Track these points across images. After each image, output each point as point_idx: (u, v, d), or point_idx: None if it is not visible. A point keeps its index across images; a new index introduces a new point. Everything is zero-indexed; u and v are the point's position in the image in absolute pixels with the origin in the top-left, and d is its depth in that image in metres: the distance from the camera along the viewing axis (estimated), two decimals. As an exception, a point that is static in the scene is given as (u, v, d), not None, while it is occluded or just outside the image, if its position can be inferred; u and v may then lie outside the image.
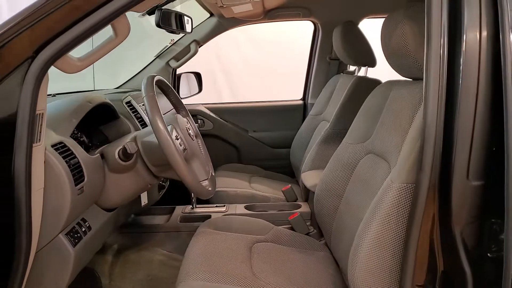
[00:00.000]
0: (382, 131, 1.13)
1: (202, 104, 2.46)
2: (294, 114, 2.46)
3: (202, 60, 3.20)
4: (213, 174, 1.33)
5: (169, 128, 1.13)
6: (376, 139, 1.15)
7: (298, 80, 2.55)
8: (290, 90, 2.60)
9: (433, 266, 0.81)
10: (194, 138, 1.26)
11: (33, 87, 0.81)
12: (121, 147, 1.11)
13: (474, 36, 0.73)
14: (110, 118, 1.39)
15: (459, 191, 0.76)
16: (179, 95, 2.49)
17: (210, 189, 1.18)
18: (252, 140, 2.44)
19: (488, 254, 0.75)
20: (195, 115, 2.39)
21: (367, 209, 1.00)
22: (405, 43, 0.97)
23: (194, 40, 2.21)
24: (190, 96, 2.50)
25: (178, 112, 1.39)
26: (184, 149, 1.14)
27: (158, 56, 2.30)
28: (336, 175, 1.29)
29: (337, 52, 1.92)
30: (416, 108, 0.96)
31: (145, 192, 1.46)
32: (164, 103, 1.39)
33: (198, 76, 2.52)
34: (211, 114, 2.41)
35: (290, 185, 1.87)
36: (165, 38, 2.31)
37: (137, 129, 1.46)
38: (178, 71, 2.39)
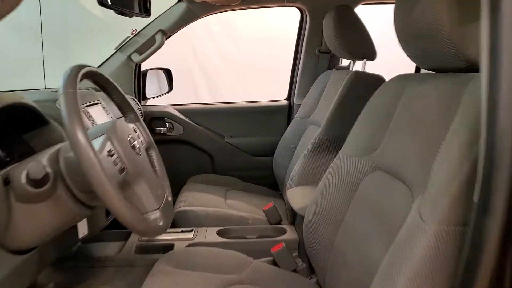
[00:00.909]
0: (394, 141, 0.83)
1: (172, 105, 2.12)
2: (278, 116, 2.14)
3: (176, 56, 2.88)
4: (170, 198, 1.00)
5: (100, 139, 0.80)
6: (387, 152, 0.85)
7: (282, 77, 2.25)
8: (273, 89, 2.28)
9: None
10: (142, 152, 0.93)
11: None
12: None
13: None
14: (38, 124, 1.05)
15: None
16: (145, 95, 2.21)
17: (161, 223, 0.85)
18: (229, 146, 2.11)
19: None
20: (162, 117, 2.05)
21: (377, 244, 0.74)
22: (434, 20, 0.67)
23: (160, 30, 1.88)
24: (158, 96, 2.17)
25: (124, 115, 1.06)
26: (122, 169, 0.81)
27: (118, 49, 1.95)
28: (332, 196, 0.99)
29: (328, 43, 1.61)
30: (452, 111, 0.66)
31: (85, 220, 1.13)
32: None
33: (167, 72, 2.19)
34: (181, 116, 2.07)
35: (272, 202, 1.55)
36: (126, 29, 1.98)
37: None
38: (144, 67, 2.05)
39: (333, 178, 1.01)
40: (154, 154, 1.07)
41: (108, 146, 0.80)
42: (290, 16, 2.19)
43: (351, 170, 0.97)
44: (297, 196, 1.37)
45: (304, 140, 1.71)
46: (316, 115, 1.71)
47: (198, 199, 1.64)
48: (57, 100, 1.14)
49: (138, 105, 1.95)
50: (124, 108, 1.04)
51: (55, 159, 0.81)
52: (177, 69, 2.20)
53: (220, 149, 2.11)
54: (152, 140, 1.10)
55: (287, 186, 1.48)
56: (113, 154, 0.79)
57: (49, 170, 0.78)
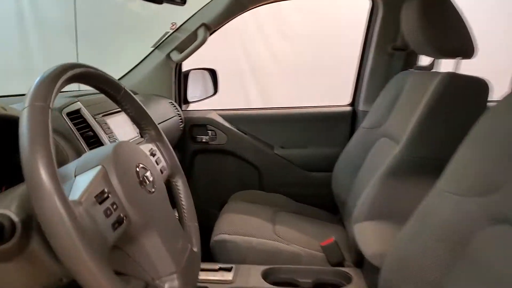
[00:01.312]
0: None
1: (215, 110, 1.87)
2: (339, 125, 1.81)
3: (221, 55, 2.64)
4: (196, 249, 0.73)
5: (89, 175, 0.54)
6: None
7: (342, 79, 1.92)
8: (332, 93, 1.96)
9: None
10: (158, 186, 0.66)
11: None
12: None
13: None
14: None
15: None
16: (186, 98, 1.98)
17: None
18: (279, 159, 1.81)
19: None
20: (204, 124, 1.80)
21: None
22: None
23: (203, 24, 1.62)
24: (201, 99, 1.93)
25: (141, 132, 0.80)
26: (120, 221, 0.54)
27: (156, 47, 1.73)
28: (426, 249, 0.69)
29: (408, 38, 1.26)
30: None
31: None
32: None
33: (212, 73, 1.94)
34: (225, 123, 1.81)
35: (333, 238, 1.23)
36: (166, 25, 1.75)
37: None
38: (185, 67, 1.82)
39: (427, 220, 0.71)
40: (180, 183, 0.80)
41: (100, 185, 0.53)
42: (355, 7, 1.85)
43: (457, 214, 0.65)
44: (369, 236, 1.05)
45: (373, 156, 1.37)
46: (390, 125, 1.36)
47: (241, 224, 1.36)
48: (64, 108, 0.91)
49: (178, 110, 1.72)
50: (140, 122, 0.78)
51: (26, 201, 0.56)
52: (223, 69, 1.94)
53: (268, 162, 1.82)
54: (178, 163, 0.83)
55: (354, 218, 1.16)
56: (106, 198, 0.52)
57: (15, 218, 0.53)
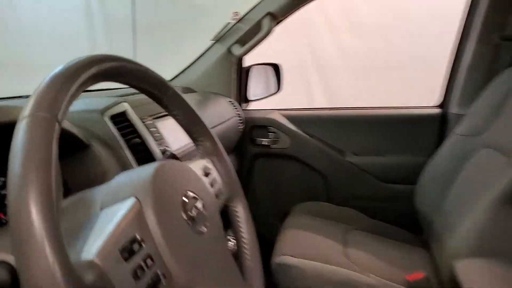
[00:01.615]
0: None
1: (278, 110, 1.69)
2: (424, 129, 1.54)
3: (285, 49, 2.45)
4: None
5: (120, 210, 0.38)
6: None
7: (426, 75, 1.64)
8: (414, 92, 1.68)
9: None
10: (209, 223, 0.48)
11: None
12: None
13: None
14: (75, 147, 0.69)
15: None
16: (248, 96, 1.82)
17: None
18: (351, 167, 1.59)
19: None
20: (265, 126, 1.63)
21: None
22: None
23: (268, 14, 1.45)
24: (264, 97, 1.76)
25: (195, 143, 0.63)
26: (156, 280, 0.37)
27: (217, 40, 1.58)
28: None
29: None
30: None
31: None
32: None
33: (276, 69, 1.76)
34: (289, 125, 1.62)
35: (423, 273, 1.00)
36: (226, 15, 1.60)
37: (126, 168, 0.73)
38: (246, 62, 1.66)
39: None
40: (241, 209, 0.62)
41: (131, 229, 0.37)
42: None
43: None
44: (477, 278, 0.81)
45: (474, 172, 1.11)
46: (496, 134, 1.09)
47: (307, 244, 1.17)
48: (107, 110, 0.77)
49: (238, 110, 1.57)
50: (192, 131, 0.61)
51: None
52: (287, 64, 1.75)
53: (338, 169, 1.60)
54: (239, 184, 0.65)
55: (453, 250, 0.92)
56: (137, 250, 0.36)
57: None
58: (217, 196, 0.57)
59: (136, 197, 0.40)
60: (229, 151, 1.57)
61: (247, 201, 0.65)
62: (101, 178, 0.69)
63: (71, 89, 0.36)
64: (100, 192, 0.44)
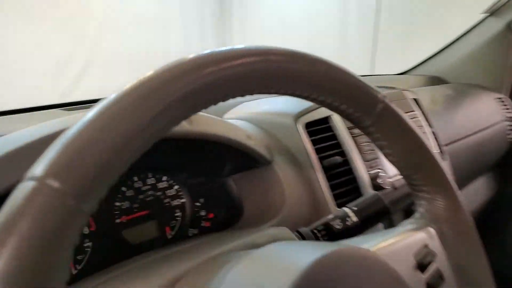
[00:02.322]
0: None
1: None
2: None
3: None
4: None
5: None
6: None
7: None
8: None
9: None
10: None
11: None
12: None
13: None
14: (256, 161, 0.52)
15: None
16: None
17: None
18: None
19: None
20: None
21: None
22: None
23: None
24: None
25: (416, 197, 0.34)
26: None
27: (491, 13, 1.14)
28: None
29: None
30: None
31: None
32: None
33: None
34: None
35: None
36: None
37: (314, 193, 0.51)
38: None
39: None
40: None
41: None
42: None
43: None
44: None
45: None
46: None
47: None
48: (301, 116, 0.56)
49: (510, 111, 1.10)
50: (409, 173, 0.33)
51: None
52: None
53: None
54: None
55: None
56: None
57: None
58: None
59: None
60: (486, 169, 1.13)
61: None
62: (280, 201, 0.51)
63: (133, 149, 0.17)
64: None
